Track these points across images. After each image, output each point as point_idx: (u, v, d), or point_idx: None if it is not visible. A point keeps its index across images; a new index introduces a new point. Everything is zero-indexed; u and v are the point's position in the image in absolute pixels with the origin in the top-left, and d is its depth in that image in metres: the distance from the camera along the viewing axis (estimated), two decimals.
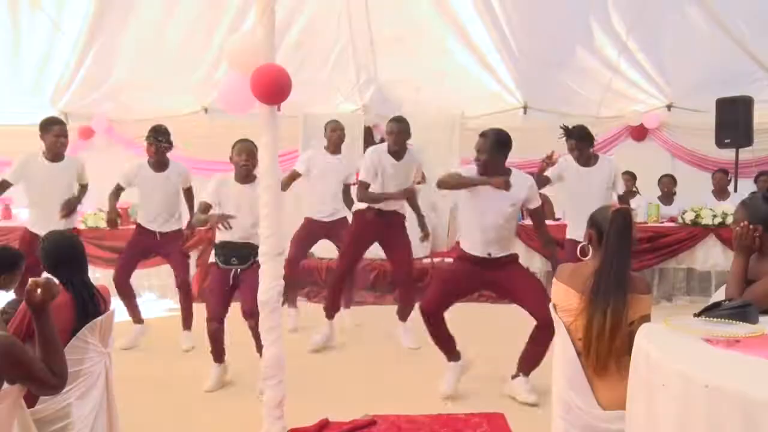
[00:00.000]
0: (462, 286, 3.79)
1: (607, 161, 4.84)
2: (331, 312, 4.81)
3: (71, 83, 7.95)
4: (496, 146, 3.57)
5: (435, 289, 3.81)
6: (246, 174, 3.94)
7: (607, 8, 7.20)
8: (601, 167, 4.72)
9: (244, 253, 3.92)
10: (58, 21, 7.21)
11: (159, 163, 4.75)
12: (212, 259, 4.04)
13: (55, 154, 4.56)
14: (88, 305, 2.41)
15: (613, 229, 2.33)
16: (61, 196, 4.62)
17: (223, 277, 3.93)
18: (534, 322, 3.67)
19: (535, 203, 3.74)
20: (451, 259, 6.38)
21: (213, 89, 7.64)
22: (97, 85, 8.03)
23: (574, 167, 4.74)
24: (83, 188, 4.86)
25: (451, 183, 3.68)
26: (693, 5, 6.99)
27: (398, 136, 4.45)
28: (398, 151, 4.49)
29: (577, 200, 4.70)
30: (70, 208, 4.64)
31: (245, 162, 3.89)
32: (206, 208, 3.94)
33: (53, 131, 4.51)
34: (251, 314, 3.58)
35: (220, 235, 3.91)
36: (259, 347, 3.43)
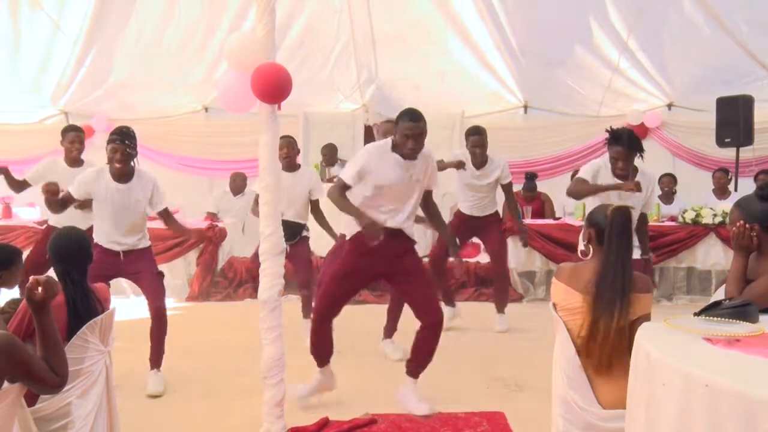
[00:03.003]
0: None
1: (647, 177, 4.06)
2: (323, 359, 3.63)
3: (71, 82, 7.96)
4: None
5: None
6: (289, 164, 4.63)
7: (607, 7, 7.20)
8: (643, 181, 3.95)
9: (295, 230, 4.63)
10: (58, 21, 7.21)
11: (123, 173, 3.86)
12: None
13: (72, 159, 4.79)
14: (78, 305, 2.41)
15: (614, 228, 2.33)
16: None
17: None
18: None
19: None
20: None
21: (213, 89, 7.64)
22: (98, 85, 8.03)
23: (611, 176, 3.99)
24: None
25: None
26: (693, 4, 6.99)
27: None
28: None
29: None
30: (49, 192, 4.11)
31: (286, 155, 4.55)
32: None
33: (68, 138, 4.80)
34: (306, 285, 4.70)
35: None
36: (307, 313, 4.24)
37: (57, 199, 3.82)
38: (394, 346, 4.49)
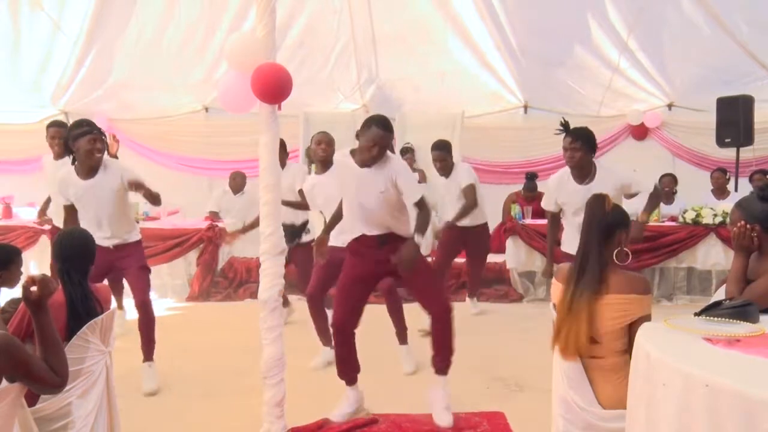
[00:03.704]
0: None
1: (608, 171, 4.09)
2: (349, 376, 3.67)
3: (71, 82, 7.96)
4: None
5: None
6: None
7: (607, 7, 7.20)
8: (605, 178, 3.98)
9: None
10: (58, 21, 7.21)
11: (92, 166, 3.75)
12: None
13: (55, 155, 4.82)
14: (77, 305, 2.41)
15: (586, 212, 2.37)
16: None
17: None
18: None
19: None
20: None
21: (213, 89, 7.65)
22: (98, 85, 8.04)
23: (573, 184, 4.05)
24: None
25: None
26: (693, 4, 6.99)
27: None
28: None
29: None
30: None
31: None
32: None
33: (48, 133, 4.85)
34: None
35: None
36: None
37: (69, 218, 3.82)
38: (409, 357, 4.27)
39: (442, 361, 3.42)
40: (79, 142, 3.66)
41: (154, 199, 3.92)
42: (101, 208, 3.78)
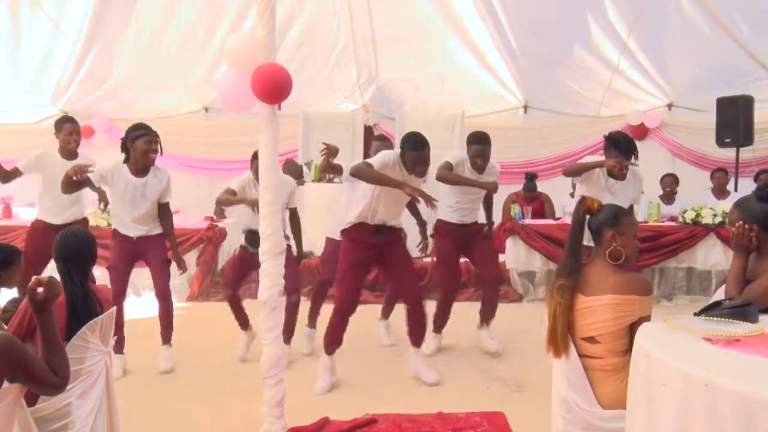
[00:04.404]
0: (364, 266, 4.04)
1: (636, 176, 4.35)
2: (333, 349, 4.04)
3: (71, 82, 7.97)
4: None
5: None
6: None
7: (607, 7, 7.20)
8: (631, 182, 4.29)
9: None
10: (58, 21, 7.21)
11: (146, 166, 4.14)
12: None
13: (68, 151, 4.69)
14: (77, 305, 2.41)
15: (573, 213, 2.44)
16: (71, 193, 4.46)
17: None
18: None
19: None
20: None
21: (213, 89, 7.66)
22: (98, 85, 8.05)
23: (604, 178, 4.25)
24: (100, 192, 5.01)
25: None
26: (693, 4, 6.99)
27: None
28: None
29: None
30: (81, 172, 4.15)
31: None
32: None
33: (64, 129, 4.68)
34: (294, 291, 4.21)
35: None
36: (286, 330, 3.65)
37: (75, 180, 4.04)
38: (387, 330, 4.92)
39: (417, 337, 4.07)
40: (137, 143, 4.05)
41: (164, 223, 4.32)
42: (141, 205, 4.16)
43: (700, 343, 1.77)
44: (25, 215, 6.75)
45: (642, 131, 8.33)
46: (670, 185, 7.10)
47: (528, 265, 6.42)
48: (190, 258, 6.55)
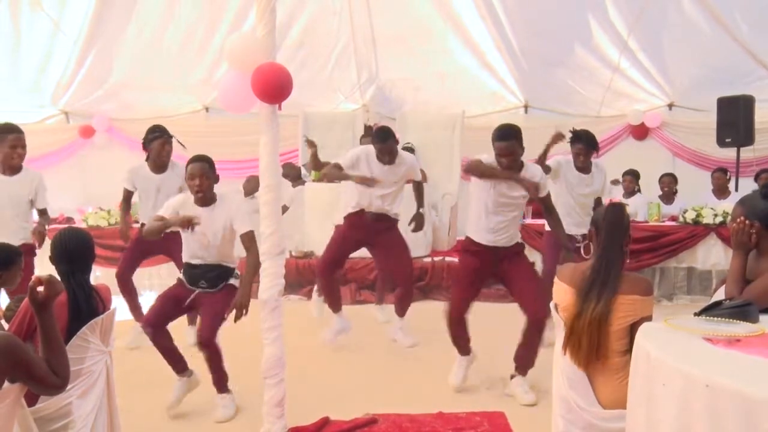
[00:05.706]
0: (478, 281, 3.99)
1: (600, 169, 4.85)
2: (336, 306, 4.73)
3: (72, 82, 7.96)
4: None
5: (456, 295, 3.99)
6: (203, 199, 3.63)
7: (607, 7, 7.20)
8: (596, 175, 4.79)
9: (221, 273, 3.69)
10: (58, 21, 7.21)
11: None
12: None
13: (10, 166, 4.01)
14: (81, 305, 2.40)
15: (606, 222, 2.37)
16: (14, 211, 4.01)
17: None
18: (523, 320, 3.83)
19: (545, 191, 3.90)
20: (451, 258, 6.40)
21: (213, 89, 7.65)
22: (98, 85, 8.03)
23: (574, 171, 4.73)
24: (44, 216, 4.22)
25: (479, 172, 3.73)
26: (694, 4, 6.99)
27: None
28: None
29: (565, 203, 4.66)
30: (41, 238, 4.01)
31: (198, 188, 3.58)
32: None
33: (8, 141, 3.96)
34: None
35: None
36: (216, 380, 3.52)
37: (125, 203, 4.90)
38: (382, 312, 5.43)
39: (402, 309, 4.72)
40: (153, 144, 4.62)
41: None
42: (161, 199, 4.31)
43: (700, 343, 1.77)
44: None
45: (642, 131, 8.32)
46: (668, 185, 7.10)
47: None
48: None
